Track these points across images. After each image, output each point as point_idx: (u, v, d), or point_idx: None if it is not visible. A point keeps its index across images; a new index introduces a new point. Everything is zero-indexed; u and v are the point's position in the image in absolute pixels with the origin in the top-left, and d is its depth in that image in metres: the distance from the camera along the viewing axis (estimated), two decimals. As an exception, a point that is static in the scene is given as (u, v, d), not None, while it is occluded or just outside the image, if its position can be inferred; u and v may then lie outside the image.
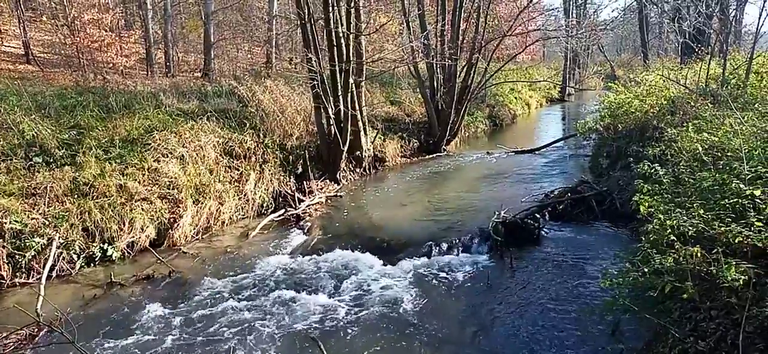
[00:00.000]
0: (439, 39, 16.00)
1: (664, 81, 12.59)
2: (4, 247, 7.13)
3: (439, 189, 12.28)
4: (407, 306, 6.65)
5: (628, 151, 10.24)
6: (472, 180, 13.04)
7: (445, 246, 8.46)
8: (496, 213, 8.78)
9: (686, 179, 5.41)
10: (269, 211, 10.59)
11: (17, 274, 7.27)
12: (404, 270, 7.71)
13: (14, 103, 9.31)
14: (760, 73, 10.68)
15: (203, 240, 9.26)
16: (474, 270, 7.70)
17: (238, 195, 10.29)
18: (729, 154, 5.90)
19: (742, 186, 4.39)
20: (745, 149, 5.17)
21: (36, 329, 5.99)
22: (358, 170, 13.52)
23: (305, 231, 9.63)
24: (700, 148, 6.32)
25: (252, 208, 10.50)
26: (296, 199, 10.83)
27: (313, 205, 10.90)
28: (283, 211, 10.46)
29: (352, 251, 8.37)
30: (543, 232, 8.81)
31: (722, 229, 4.04)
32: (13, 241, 7.26)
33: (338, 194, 11.87)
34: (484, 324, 6.26)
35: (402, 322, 6.32)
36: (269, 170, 11.21)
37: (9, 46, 16.69)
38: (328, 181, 12.33)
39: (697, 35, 16.00)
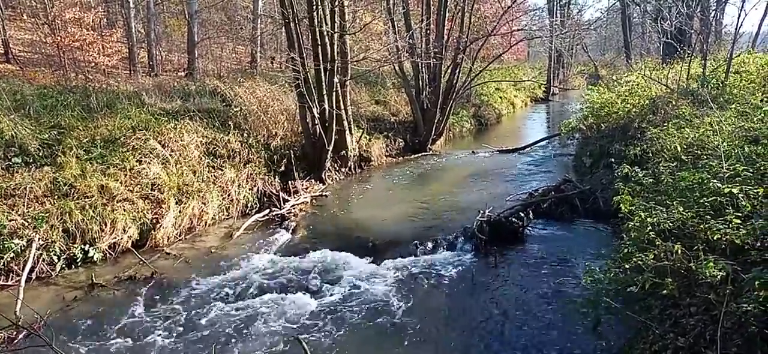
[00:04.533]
0: (424, 38, 16.04)
1: (646, 81, 12.75)
2: (-19, 248, 6.99)
3: (425, 188, 12.31)
4: (392, 304, 6.66)
5: (610, 150, 10.37)
6: (457, 179, 13.08)
7: (430, 245, 8.49)
8: (481, 212, 8.82)
9: (666, 178, 5.48)
10: (253, 211, 10.52)
11: (-5, 276, 7.14)
12: (389, 269, 7.71)
13: (-7, 102, 9.14)
14: (739, 73, 10.87)
15: (186, 240, 9.17)
16: (458, 268, 7.72)
17: (221, 195, 10.21)
18: (708, 152, 5.99)
19: (719, 184, 4.46)
20: (724, 147, 5.26)
21: (14, 332, 5.88)
22: (343, 170, 13.48)
23: (290, 231, 9.58)
24: (680, 147, 6.41)
25: (236, 208, 10.43)
26: (281, 199, 10.78)
27: (298, 205, 10.85)
28: (267, 211, 10.40)
29: (338, 251, 8.34)
30: (527, 231, 8.87)
31: (701, 225, 4.10)
32: (-8, 242, 7.12)
33: (323, 194, 11.83)
34: (468, 321, 6.28)
35: (387, 320, 6.32)
36: (253, 170, 11.14)
37: (-13, 45, 16.38)
38: (313, 180, 12.29)
39: (679, 35, 16.21)
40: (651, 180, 5.66)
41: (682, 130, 7.37)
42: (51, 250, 7.65)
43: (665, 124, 8.32)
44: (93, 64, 13.93)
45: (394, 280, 7.34)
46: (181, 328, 6.23)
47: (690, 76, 11.55)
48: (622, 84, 14.22)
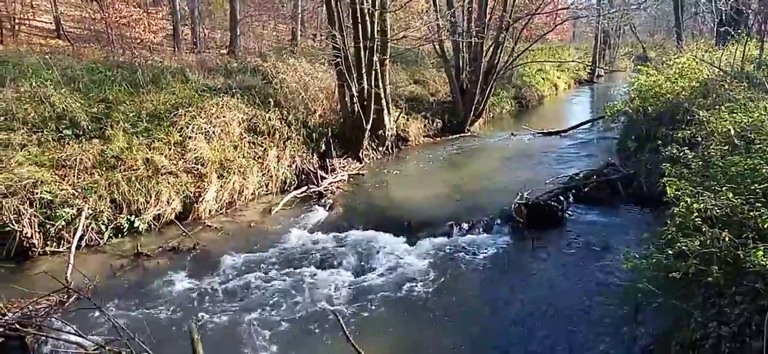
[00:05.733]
0: (465, 17, 15.76)
1: (697, 63, 12.20)
2: (35, 216, 7.35)
3: (462, 169, 12.20)
4: (426, 285, 6.67)
5: (656, 134, 10.00)
6: (495, 161, 12.92)
7: (466, 226, 8.42)
8: (519, 194, 8.69)
9: (716, 163, 5.26)
10: (292, 187, 10.67)
11: (48, 242, 7.50)
12: (425, 249, 7.71)
13: (45, 76, 9.52)
14: (799, 56, 10.28)
15: (227, 214, 9.40)
16: (494, 250, 7.66)
17: (261, 171, 10.39)
18: (762, 138, 5.71)
19: (773, 171, 4.26)
20: (779, 133, 5.01)
21: (65, 296, 6.19)
22: (380, 149, 13.49)
23: (327, 208, 9.69)
24: (733, 131, 6.13)
25: (275, 184, 10.60)
26: (319, 176, 10.89)
27: (335, 183, 10.94)
28: (305, 188, 10.53)
29: (373, 229, 8.38)
30: (566, 214, 8.70)
31: (752, 213, 3.93)
32: (44, 210, 7.47)
33: (360, 173, 11.88)
34: (502, 304, 6.24)
35: (420, 300, 6.34)
36: (292, 147, 11.28)
37: (40, 21, 17.05)
38: (350, 159, 12.35)
39: (735, 15, 15.43)
40: (699, 164, 5.44)
41: (735, 113, 7.04)
42: (99, 219, 7.98)
43: (717, 107, 7.96)
44: (139, 40, 14.30)
45: (429, 261, 7.33)
46: (221, 298, 6.42)
47: (746, 58, 10.98)
48: (671, 66, 13.65)
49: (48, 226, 7.46)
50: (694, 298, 4.26)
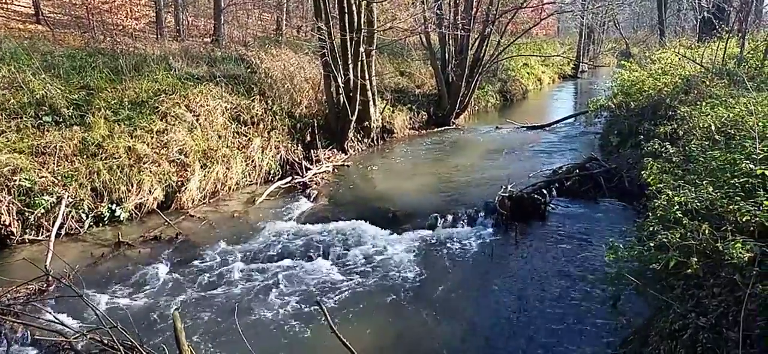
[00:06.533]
0: (452, 9, 15.76)
1: (679, 59, 12.37)
2: (13, 203, 7.22)
3: (447, 162, 12.25)
4: (411, 275, 6.70)
5: (639, 129, 10.13)
6: (480, 154, 12.98)
7: (450, 218, 8.46)
8: (503, 187, 8.75)
9: (696, 157, 5.35)
10: (276, 178, 10.62)
11: (27, 230, 7.39)
12: (409, 240, 7.74)
13: (25, 62, 9.31)
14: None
15: (210, 204, 9.33)
16: (478, 242, 7.71)
17: (245, 161, 10.32)
18: (742, 133, 5.81)
19: (752, 166, 4.33)
20: (758, 129, 5.09)
21: (45, 284, 6.11)
22: (366, 141, 13.48)
23: (312, 199, 9.66)
24: (713, 126, 6.23)
25: (259, 174, 10.54)
26: (303, 167, 10.85)
27: (320, 173, 10.92)
28: (290, 178, 10.48)
29: (358, 220, 8.38)
30: (549, 208, 8.78)
31: (731, 206, 4.00)
32: (23, 198, 7.35)
33: (345, 164, 11.86)
34: (486, 294, 6.29)
35: (405, 289, 6.37)
36: (277, 138, 11.21)
37: (19, 5, 16.64)
38: (335, 150, 12.34)
39: (717, 13, 15.65)
40: (681, 158, 5.53)
41: (716, 109, 7.15)
42: (79, 207, 7.88)
43: (698, 103, 8.08)
44: (121, 27, 14.08)
45: (414, 251, 7.36)
46: (203, 288, 6.38)
47: (726, 55, 11.16)
48: (654, 62, 13.82)
49: (27, 213, 7.34)
50: (674, 289, 4.33)
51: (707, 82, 9.46)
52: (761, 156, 4.52)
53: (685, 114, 7.62)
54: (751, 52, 11.02)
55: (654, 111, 10.27)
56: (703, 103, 7.63)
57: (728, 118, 6.36)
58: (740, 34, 11.88)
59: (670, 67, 12.34)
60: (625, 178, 9.28)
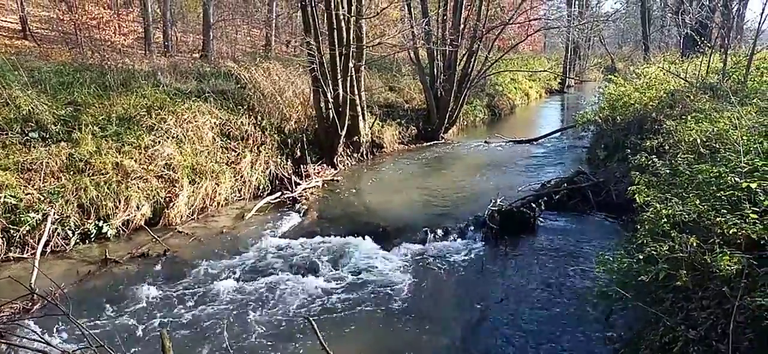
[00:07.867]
0: (440, 25, 15.90)
1: (664, 74, 12.57)
2: (-2, 221, 7.11)
3: (436, 176, 12.28)
4: (402, 289, 6.68)
5: (626, 142, 10.24)
6: (469, 168, 13.03)
7: (440, 232, 8.48)
8: (492, 201, 8.79)
9: (683, 170, 5.42)
10: (266, 193, 10.58)
11: (11, 248, 7.27)
12: (399, 255, 7.73)
13: (11, 78, 9.22)
14: (760, 69, 10.68)
15: (199, 220, 9.25)
16: (468, 256, 7.72)
17: (234, 176, 10.27)
18: (727, 146, 5.91)
19: (737, 179, 4.40)
20: (742, 142, 5.18)
21: (30, 303, 6.00)
22: (355, 155, 13.49)
23: (301, 214, 9.62)
24: (699, 140, 6.32)
25: (248, 190, 10.49)
26: (293, 182, 10.82)
27: (309, 188, 10.89)
28: (279, 193, 10.44)
29: (348, 235, 8.35)
30: (538, 221, 8.82)
31: (718, 219, 4.05)
32: (8, 215, 7.25)
33: (335, 179, 11.85)
34: (477, 308, 6.28)
35: (396, 304, 6.34)
36: (266, 153, 11.18)
37: (6, 21, 16.57)
38: (325, 165, 12.32)
39: (700, 29, 15.93)
40: (667, 171, 5.60)
41: (701, 123, 7.27)
42: (66, 224, 7.77)
43: (683, 117, 8.21)
44: (109, 42, 14.00)
45: (404, 266, 7.35)
46: (192, 305, 6.30)
47: (710, 70, 11.36)
48: (640, 76, 14.02)
49: (12, 231, 7.23)
50: (663, 302, 4.36)
51: (691, 97, 9.62)
52: (746, 169, 4.59)
53: (671, 128, 7.72)
54: (734, 67, 11.23)
55: (640, 125, 10.41)
56: (689, 117, 7.75)
57: (713, 132, 6.46)
58: (723, 50, 12.10)
59: (655, 81, 12.53)
60: (613, 191, 9.36)
